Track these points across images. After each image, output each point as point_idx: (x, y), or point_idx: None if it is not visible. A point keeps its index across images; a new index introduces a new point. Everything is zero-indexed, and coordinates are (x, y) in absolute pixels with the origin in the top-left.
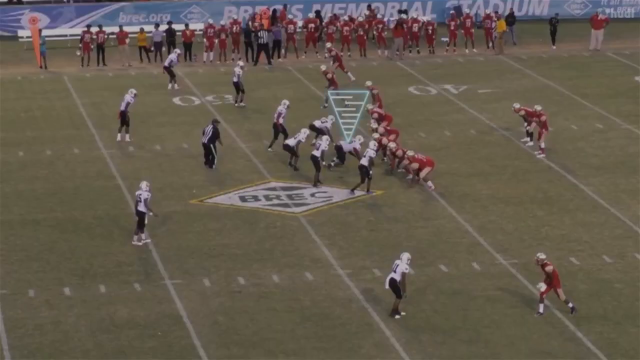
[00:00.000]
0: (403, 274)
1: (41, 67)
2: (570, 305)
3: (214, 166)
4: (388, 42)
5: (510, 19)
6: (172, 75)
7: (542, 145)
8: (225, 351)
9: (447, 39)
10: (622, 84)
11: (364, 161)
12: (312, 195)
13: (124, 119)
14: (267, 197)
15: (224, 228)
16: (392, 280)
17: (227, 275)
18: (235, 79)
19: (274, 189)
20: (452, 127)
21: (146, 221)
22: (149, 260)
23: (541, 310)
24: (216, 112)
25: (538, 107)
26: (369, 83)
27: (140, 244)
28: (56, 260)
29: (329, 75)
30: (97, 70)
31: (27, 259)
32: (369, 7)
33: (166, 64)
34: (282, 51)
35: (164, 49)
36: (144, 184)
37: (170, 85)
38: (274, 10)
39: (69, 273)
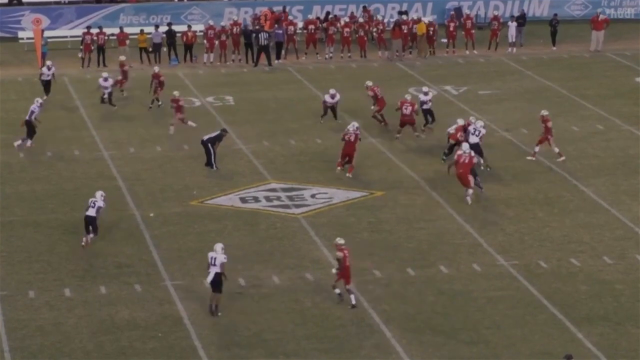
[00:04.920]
0: (222, 264)
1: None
2: (353, 302)
3: (214, 166)
4: (388, 43)
5: (521, 20)
6: (32, 131)
7: (556, 149)
8: (226, 352)
9: (445, 40)
10: (623, 85)
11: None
12: (312, 196)
13: (29, 129)
14: (267, 198)
15: (225, 229)
16: (217, 275)
17: (227, 277)
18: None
19: (274, 190)
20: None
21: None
22: (150, 261)
23: (353, 301)
24: (216, 113)
25: (545, 112)
26: (369, 83)
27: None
28: (57, 261)
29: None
30: (97, 72)
31: (28, 260)
32: (364, 8)
33: (27, 117)
34: (282, 52)
35: (164, 49)
36: (98, 194)
37: (19, 142)
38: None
39: (69, 274)
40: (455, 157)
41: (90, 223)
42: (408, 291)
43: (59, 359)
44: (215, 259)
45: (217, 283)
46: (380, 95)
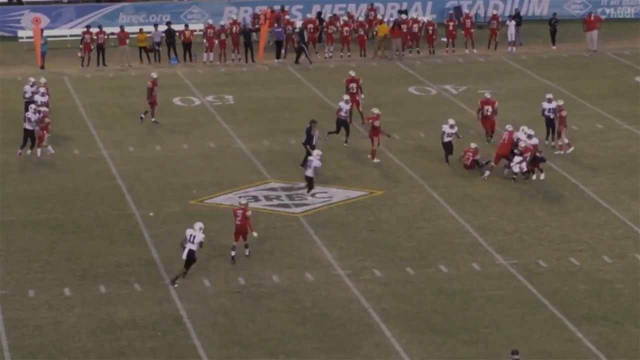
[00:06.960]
0: (201, 243)
1: (41, 67)
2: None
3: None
4: (387, 42)
5: (517, 19)
6: (28, 139)
7: (566, 140)
8: (226, 352)
9: (445, 40)
10: (622, 84)
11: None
12: (312, 195)
13: (29, 136)
14: (267, 198)
15: (224, 228)
16: (191, 252)
17: (227, 276)
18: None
19: (274, 189)
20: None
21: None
22: (149, 261)
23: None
24: (216, 112)
25: (560, 102)
26: (352, 73)
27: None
28: (56, 260)
29: None
30: (97, 71)
31: (27, 260)
32: (371, 6)
33: (27, 125)
34: (282, 51)
35: (158, 48)
36: (315, 152)
37: (29, 152)
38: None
39: (69, 273)
40: None
41: (308, 180)
42: (407, 290)
43: (58, 358)
44: (194, 236)
45: (190, 260)
46: None
